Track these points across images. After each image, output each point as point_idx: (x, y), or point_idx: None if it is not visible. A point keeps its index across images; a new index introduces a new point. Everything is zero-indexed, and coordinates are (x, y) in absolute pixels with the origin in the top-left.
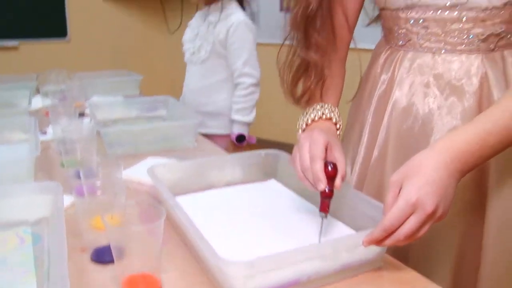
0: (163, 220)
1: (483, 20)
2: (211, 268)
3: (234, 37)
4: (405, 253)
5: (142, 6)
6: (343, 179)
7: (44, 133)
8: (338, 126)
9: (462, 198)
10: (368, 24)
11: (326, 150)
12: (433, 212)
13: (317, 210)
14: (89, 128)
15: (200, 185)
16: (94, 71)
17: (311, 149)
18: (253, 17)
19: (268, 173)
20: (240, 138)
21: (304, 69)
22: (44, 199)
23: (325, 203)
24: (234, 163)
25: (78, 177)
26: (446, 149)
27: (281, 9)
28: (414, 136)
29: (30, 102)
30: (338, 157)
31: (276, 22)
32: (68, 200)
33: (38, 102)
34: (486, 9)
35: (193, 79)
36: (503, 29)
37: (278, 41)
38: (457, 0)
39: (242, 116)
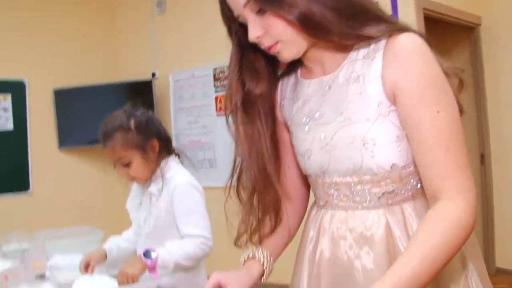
0: None
1: (378, 181)
2: None
3: (179, 202)
4: None
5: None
6: None
7: None
8: (265, 266)
9: None
10: None
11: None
12: None
13: None
14: None
15: None
16: (56, 227)
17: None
18: (195, 167)
19: None
20: (147, 254)
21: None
22: None
23: None
24: None
25: None
26: None
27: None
28: (340, 285)
29: None
30: None
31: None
32: None
33: None
34: (377, 173)
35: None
36: (394, 187)
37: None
38: (354, 166)
39: (180, 257)
